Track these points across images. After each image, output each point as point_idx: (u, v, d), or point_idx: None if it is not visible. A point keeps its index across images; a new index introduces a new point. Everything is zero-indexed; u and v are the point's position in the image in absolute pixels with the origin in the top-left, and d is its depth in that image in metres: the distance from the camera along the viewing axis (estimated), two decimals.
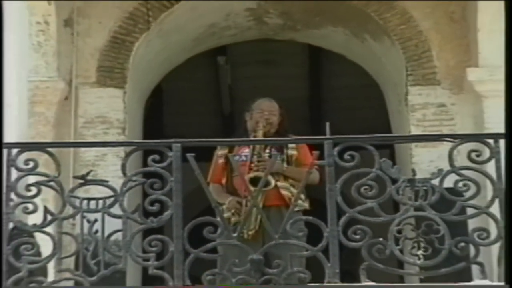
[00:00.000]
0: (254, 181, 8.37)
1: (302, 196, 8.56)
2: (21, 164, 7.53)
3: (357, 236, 7.31)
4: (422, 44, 10.17)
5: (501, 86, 8.47)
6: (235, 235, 7.59)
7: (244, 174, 8.48)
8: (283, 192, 8.71)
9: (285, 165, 8.83)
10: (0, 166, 7.47)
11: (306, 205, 8.63)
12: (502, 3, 8.37)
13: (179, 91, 11.15)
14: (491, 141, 7.59)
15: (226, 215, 8.25)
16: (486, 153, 7.49)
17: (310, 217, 7.62)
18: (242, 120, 9.20)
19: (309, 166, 8.19)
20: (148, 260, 7.38)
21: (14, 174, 7.50)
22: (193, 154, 7.52)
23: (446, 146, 7.69)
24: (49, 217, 7.55)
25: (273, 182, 8.44)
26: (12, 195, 7.47)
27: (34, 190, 7.52)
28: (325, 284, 7.16)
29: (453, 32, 10.18)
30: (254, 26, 10.92)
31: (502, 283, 7.28)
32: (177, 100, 11.05)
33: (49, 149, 7.78)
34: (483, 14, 9.65)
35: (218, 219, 7.59)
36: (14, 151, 7.54)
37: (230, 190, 8.86)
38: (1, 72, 7.63)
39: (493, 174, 7.46)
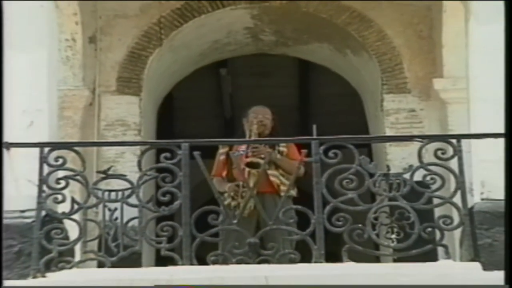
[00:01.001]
0: (251, 165, 8.51)
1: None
2: (52, 161, 7.53)
3: (340, 223, 7.32)
4: (395, 58, 10.18)
5: (463, 94, 8.53)
6: (235, 221, 7.59)
7: (241, 164, 8.58)
8: (272, 178, 8.75)
9: (278, 156, 8.83)
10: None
11: (294, 193, 8.59)
12: (463, 23, 8.39)
13: (187, 98, 11.16)
14: (454, 141, 7.60)
15: (226, 202, 8.28)
16: (450, 151, 7.50)
17: (299, 206, 7.63)
18: (240, 125, 9.20)
19: (299, 161, 8.21)
20: (160, 243, 7.41)
21: (46, 169, 7.50)
22: (199, 152, 7.55)
23: (416, 145, 7.68)
24: (75, 206, 7.57)
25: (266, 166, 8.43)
26: (44, 187, 7.47)
27: (63, 183, 7.53)
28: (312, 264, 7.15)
29: (422, 47, 10.20)
30: (251, 42, 10.92)
31: (502, 283, 7.02)
32: (186, 106, 11.07)
33: (76, 148, 7.80)
34: (447, 32, 9.68)
35: (221, 208, 7.61)
36: (46, 149, 7.53)
37: (230, 181, 8.87)
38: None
39: (456, 169, 7.47)
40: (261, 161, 8.41)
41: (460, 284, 7.10)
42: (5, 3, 7.94)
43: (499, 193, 7.49)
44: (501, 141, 7.54)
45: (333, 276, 7.14)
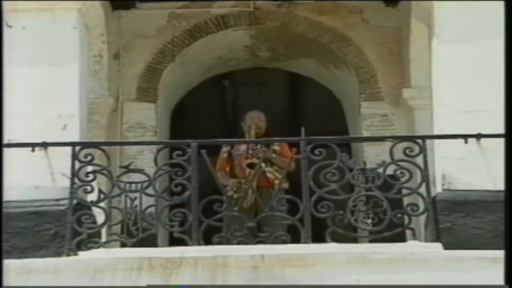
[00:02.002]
0: (250, 165, 8.45)
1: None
2: (82, 158, 7.53)
3: (324, 210, 7.33)
4: (370, 71, 10.15)
5: (427, 102, 8.52)
6: (236, 208, 7.60)
7: (242, 162, 8.63)
8: (268, 174, 8.70)
9: (273, 154, 8.82)
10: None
11: (286, 185, 8.55)
12: (427, 42, 8.38)
13: (196, 105, 11.15)
14: (420, 141, 7.59)
15: (229, 193, 8.18)
16: (416, 149, 7.49)
17: (290, 196, 7.65)
18: (240, 127, 9.18)
19: (290, 158, 8.25)
20: (173, 226, 7.42)
21: (77, 165, 7.51)
22: (205, 150, 7.55)
23: (388, 144, 7.66)
24: (102, 196, 7.58)
25: (263, 165, 8.40)
26: (76, 180, 7.48)
27: (91, 176, 7.55)
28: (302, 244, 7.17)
29: (393, 62, 10.17)
30: (249, 58, 10.90)
31: (460, 261, 7.06)
32: (195, 111, 11.06)
33: (102, 147, 7.81)
34: (414, 50, 9.66)
35: (224, 197, 7.59)
36: (77, 148, 7.55)
37: (232, 176, 8.85)
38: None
39: (421, 165, 7.49)
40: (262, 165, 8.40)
41: (424, 260, 7.10)
42: (43, 25, 7.99)
43: (458, 185, 7.57)
44: (460, 141, 7.57)
45: (318, 254, 7.15)
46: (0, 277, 6.74)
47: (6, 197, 7.44)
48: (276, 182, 8.50)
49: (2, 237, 6.95)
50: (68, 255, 7.21)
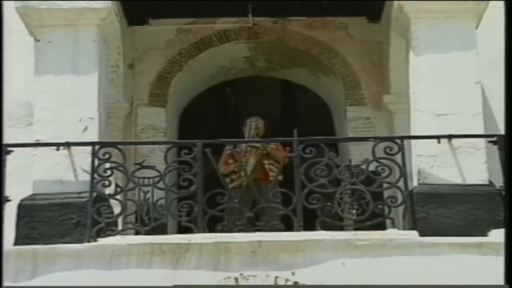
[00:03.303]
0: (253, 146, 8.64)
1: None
2: (101, 156, 7.54)
3: (314, 201, 7.35)
4: (355, 79, 10.13)
5: (405, 106, 8.53)
6: (236, 201, 7.58)
7: (241, 158, 8.69)
8: (266, 166, 8.71)
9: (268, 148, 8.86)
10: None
11: (281, 178, 8.34)
12: (404, 54, 8.41)
13: (201, 109, 11.14)
14: (398, 141, 7.60)
15: (231, 186, 8.21)
16: (395, 148, 7.50)
17: (284, 189, 7.61)
18: (241, 131, 9.19)
19: (285, 155, 8.24)
20: (181, 216, 7.43)
21: (96, 162, 7.51)
22: (209, 149, 7.56)
23: (370, 144, 7.64)
24: (118, 189, 7.60)
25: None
26: (95, 175, 7.49)
27: (109, 172, 7.55)
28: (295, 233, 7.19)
29: (374, 72, 10.16)
30: (248, 67, 10.90)
31: (433, 247, 7.09)
32: (200, 115, 11.06)
33: (118, 146, 7.82)
34: (393, 60, 9.66)
35: (226, 191, 7.58)
36: (97, 147, 7.55)
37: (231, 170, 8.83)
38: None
39: (400, 162, 7.49)
40: (258, 145, 8.61)
41: (402, 246, 7.14)
42: (66, 39, 7.95)
43: (431, 179, 7.60)
44: (433, 141, 7.58)
45: (308, 240, 7.18)
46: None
47: (34, 190, 7.54)
48: (272, 174, 8.51)
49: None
50: (89, 241, 7.22)
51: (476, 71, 7.88)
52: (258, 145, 8.75)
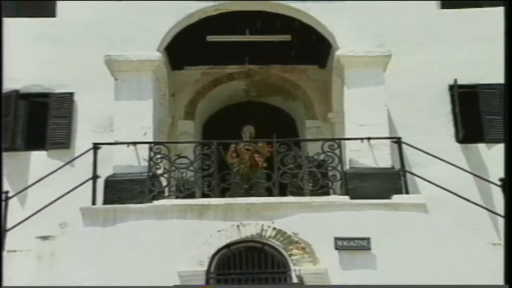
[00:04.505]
0: (247, 149, 8.32)
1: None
2: (155, 150, 7.55)
3: (286, 179, 7.37)
4: (310, 103, 9.96)
5: (341, 120, 8.34)
6: (238, 178, 7.59)
7: (242, 153, 8.35)
8: (256, 158, 8.36)
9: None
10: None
11: (265, 165, 8.30)
12: (341, 87, 8.21)
13: (216, 121, 10.95)
14: (337, 141, 7.66)
15: (234, 169, 8.07)
16: (336, 146, 7.54)
17: (267, 171, 7.68)
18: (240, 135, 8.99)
19: (268, 150, 8.21)
20: (204, 188, 7.41)
21: (152, 154, 7.50)
22: (221, 146, 7.57)
23: (320, 143, 7.70)
24: (165, 171, 7.58)
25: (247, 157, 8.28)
26: (151, 162, 7.46)
27: (159, 160, 7.55)
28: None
29: (323, 98, 9.93)
30: (245, 96, 10.62)
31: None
32: (215, 125, 10.87)
33: (166, 144, 7.80)
34: (335, 91, 9.41)
35: (231, 173, 7.69)
36: (152, 145, 7.56)
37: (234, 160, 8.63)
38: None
39: (338, 154, 7.50)
40: (251, 145, 8.38)
41: (340, 205, 7.14)
42: (134, 78, 7.86)
43: (357, 165, 7.56)
44: (358, 142, 7.54)
45: (282, 202, 7.21)
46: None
47: (114, 171, 7.51)
48: (260, 163, 8.42)
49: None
50: (147, 203, 7.22)
51: (384, 98, 7.82)
52: (251, 145, 8.43)
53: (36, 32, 9.48)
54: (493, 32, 9.21)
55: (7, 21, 9.15)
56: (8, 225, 7.17)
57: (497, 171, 8.26)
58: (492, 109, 9.07)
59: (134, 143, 7.57)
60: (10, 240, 7.12)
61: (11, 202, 7.47)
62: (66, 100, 9.22)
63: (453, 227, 7.01)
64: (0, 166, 5.88)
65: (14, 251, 6.95)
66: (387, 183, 7.33)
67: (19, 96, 9.07)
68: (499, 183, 7.37)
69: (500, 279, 6.25)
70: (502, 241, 7.01)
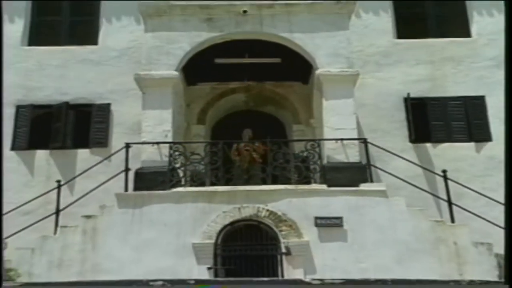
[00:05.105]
0: (247, 150, 8.01)
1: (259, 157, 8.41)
2: (174, 148, 7.52)
3: (277, 171, 7.38)
4: (296, 111, 9.78)
5: (320, 125, 8.14)
6: (239, 170, 7.59)
7: (242, 152, 8.03)
8: (254, 155, 8.17)
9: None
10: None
11: (260, 160, 8.09)
12: (320, 99, 8.06)
13: (222, 125, 10.83)
14: (317, 142, 7.64)
15: (237, 164, 8.00)
16: (316, 145, 7.47)
17: (262, 165, 7.61)
18: (241, 136, 8.96)
19: (263, 149, 8.04)
20: (212, 178, 7.36)
21: (171, 152, 7.46)
22: (226, 145, 7.59)
23: (304, 143, 7.70)
24: (182, 164, 7.54)
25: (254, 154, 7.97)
26: (171, 158, 7.45)
27: (177, 156, 7.52)
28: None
29: (306, 108, 9.72)
30: (244, 105, 10.37)
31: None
32: (221, 128, 10.73)
33: (183, 144, 7.76)
34: (315, 102, 9.09)
35: (234, 166, 7.60)
36: (171, 145, 7.53)
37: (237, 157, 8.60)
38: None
39: (318, 152, 7.48)
40: (250, 145, 8.08)
41: (320, 191, 7.10)
42: (157, 92, 7.79)
43: (333, 160, 7.52)
44: (334, 142, 7.50)
45: (275, 189, 7.17)
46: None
47: (142, 165, 7.42)
48: (256, 159, 8.26)
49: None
50: (167, 190, 7.18)
51: (353, 108, 7.78)
52: (249, 145, 8.18)
53: (82, 56, 9.57)
54: (436, 57, 9.49)
55: (61, 49, 9.52)
56: (61, 207, 7.28)
57: (440, 165, 8.54)
58: (436, 117, 9.16)
59: (158, 143, 7.58)
60: (62, 219, 7.28)
61: (63, 189, 7.60)
62: (105, 109, 9.31)
63: (406, 208, 7.07)
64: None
65: (65, 226, 7.03)
66: (356, 174, 7.33)
67: (68, 106, 9.17)
68: (442, 174, 7.52)
69: (437, 248, 6.63)
70: (443, 219, 7.28)
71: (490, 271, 6.48)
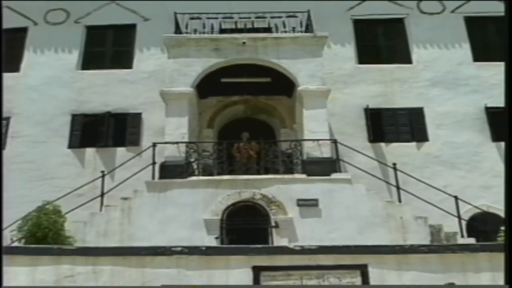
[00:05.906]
0: (246, 149, 7.85)
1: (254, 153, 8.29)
2: (189, 147, 7.41)
3: (268, 165, 7.32)
4: (283, 119, 9.50)
5: (302, 129, 7.85)
6: (239, 164, 7.48)
7: (242, 150, 7.84)
8: (251, 153, 7.82)
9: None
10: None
11: (255, 156, 7.98)
12: (302, 109, 7.83)
13: (226, 129, 10.63)
14: (299, 142, 7.56)
15: (238, 159, 7.91)
16: (298, 145, 7.43)
17: (257, 160, 7.51)
18: (240, 138, 8.74)
19: (258, 147, 7.74)
20: (219, 169, 7.32)
21: (188, 149, 7.37)
22: (229, 145, 7.52)
23: (289, 142, 7.68)
24: (195, 159, 7.42)
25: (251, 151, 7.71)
26: (187, 154, 7.31)
27: (192, 153, 7.40)
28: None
29: (291, 116, 9.37)
30: (243, 114, 10.23)
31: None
32: (225, 131, 10.54)
33: (196, 144, 7.64)
34: (298, 112, 8.71)
35: (235, 161, 7.49)
36: (187, 144, 7.41)
37: (237, 154, 8.41)
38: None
39: (300, 149, 7.35)
40: (247, 145, 7.85)
41: (305, 180, 6.93)
42: (176, 105, 7.65)
43: (312, 156, 7.35)
44: (312, 142, 7.35)
45: (268, 178, 7.07)
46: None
47: (165, 159, 7.27)
48: (253, 155, 8.13)
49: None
50: (185, 179, 7.05)
51: (326, 116, 7.66)
52: (247, 144, 7.98)
53: (121, 77, 9.50)
54: (387, 78, 9.41)
55: (105, 72, 9.31)
56: (105, 191, 7.24)
57: (391, 159, 8.45)
58: (388, 123, 9.12)
59: (177, 143, 7.50)
60: (106, 200, 7.24)
61: (106, 178, 7.53)
62: (137, 117, 9.23)
63: (365, 192, 7.05)
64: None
65: (108, 206, 7.03)
66: (328, 166, 7.27)
67: (110, 115, 9.15)
68: (392, 166, 7.53)
69: (388, 221, 6.59)
70: (393, 200, 7.20)
71: (426, 238, 6.58)
